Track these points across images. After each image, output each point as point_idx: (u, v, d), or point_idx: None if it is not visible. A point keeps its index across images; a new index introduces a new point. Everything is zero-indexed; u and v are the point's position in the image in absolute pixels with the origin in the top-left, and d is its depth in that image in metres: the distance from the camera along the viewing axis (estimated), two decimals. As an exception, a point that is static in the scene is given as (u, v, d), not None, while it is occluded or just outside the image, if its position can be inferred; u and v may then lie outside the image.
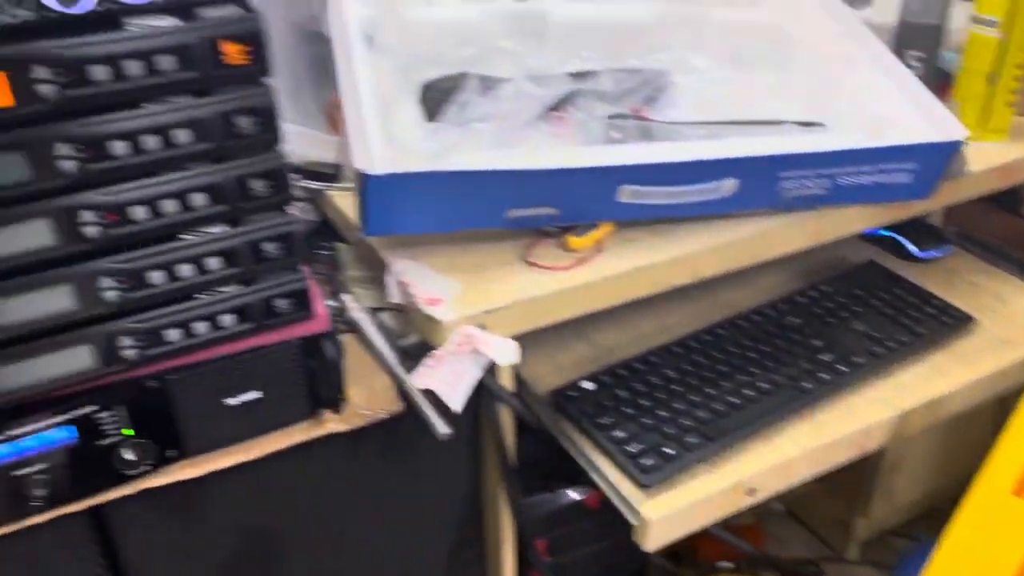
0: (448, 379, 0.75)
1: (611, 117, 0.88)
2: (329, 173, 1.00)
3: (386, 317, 0.97)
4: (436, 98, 0.85)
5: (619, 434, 0.85)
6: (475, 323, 0.75)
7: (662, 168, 0.81)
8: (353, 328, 0.87)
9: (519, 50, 0.93)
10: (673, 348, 0.96)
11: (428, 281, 0.77)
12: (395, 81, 0.86)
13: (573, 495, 1.00)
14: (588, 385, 0.91)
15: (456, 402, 0.76)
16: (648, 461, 0.81)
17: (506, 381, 0.83)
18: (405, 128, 0.80)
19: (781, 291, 1.07)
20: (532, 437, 0.91)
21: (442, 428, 0.79)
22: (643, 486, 0.81)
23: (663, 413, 0.87)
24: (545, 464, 0.94)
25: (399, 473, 0.88)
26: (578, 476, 0.88)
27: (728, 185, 0.84)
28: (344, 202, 0.93)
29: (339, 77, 0.84)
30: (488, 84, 0.88)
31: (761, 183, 0.85)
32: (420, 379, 0.75)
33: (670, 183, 0.82)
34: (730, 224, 0.88)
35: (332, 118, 0.99)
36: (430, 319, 0.75)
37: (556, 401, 0.91)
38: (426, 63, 0.90)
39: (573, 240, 0.84)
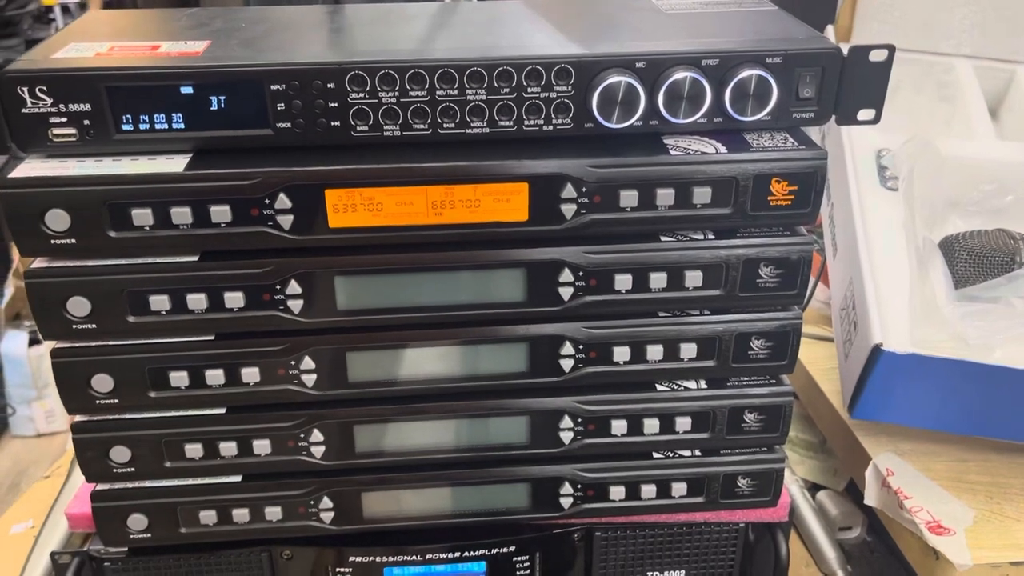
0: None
1: None
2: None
3: (824, 498, 0.81)
4: (965, 258, 0.68)
5: None
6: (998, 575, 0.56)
7: None
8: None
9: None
10: None
11: (931, 499, 0.60)
12: (912, 228, 0.70)
13: None
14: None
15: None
16: None
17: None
18: (927, 294, 0.64)
19: None
20: None
21: None
22: None
23: None
24: None
25: None
26: None
27: None
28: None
29: (847, 217, 0.70)
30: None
31: None
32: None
33: None
34: None
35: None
36: (933, 554, 0.57)
37: None
38: (951, 209, 0.73)
39: None
